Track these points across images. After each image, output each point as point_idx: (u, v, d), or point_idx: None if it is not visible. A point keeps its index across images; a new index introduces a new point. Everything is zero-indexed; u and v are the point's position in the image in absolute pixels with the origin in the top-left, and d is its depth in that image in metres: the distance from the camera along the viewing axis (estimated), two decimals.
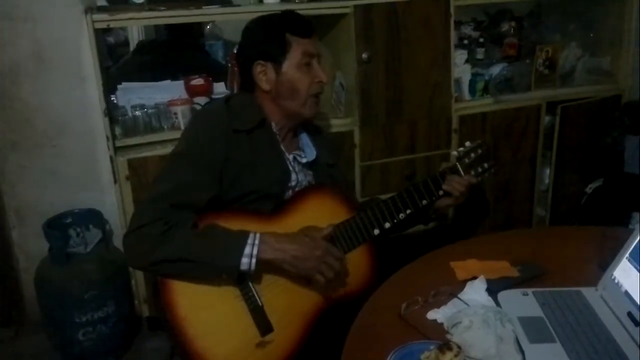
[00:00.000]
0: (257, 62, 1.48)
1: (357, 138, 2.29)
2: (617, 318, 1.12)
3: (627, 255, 1.18)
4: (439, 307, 1.19)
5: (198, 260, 1.27)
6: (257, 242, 1.29)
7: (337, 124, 2.27)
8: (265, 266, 1.32)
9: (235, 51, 1.63)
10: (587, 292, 1.21)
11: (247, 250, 1.28)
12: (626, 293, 1.13)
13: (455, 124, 2.43)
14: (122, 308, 2.21)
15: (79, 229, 2.19)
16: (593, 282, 1.23)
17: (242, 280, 1.33)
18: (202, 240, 1.29)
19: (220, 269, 1.29)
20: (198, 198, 1.34)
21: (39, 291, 2.20)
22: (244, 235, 1.29)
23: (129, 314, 2.26)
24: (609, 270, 1.20)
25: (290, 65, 1.48)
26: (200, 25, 2.91)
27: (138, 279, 2.18)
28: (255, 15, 2.03)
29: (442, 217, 1.72)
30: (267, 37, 1.49)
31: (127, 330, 2.28)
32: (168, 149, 1.99)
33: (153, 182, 1.41)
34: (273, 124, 1.52)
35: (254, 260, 1.28)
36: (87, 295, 2.11)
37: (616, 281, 1.17)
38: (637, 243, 1.16)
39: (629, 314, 1.09)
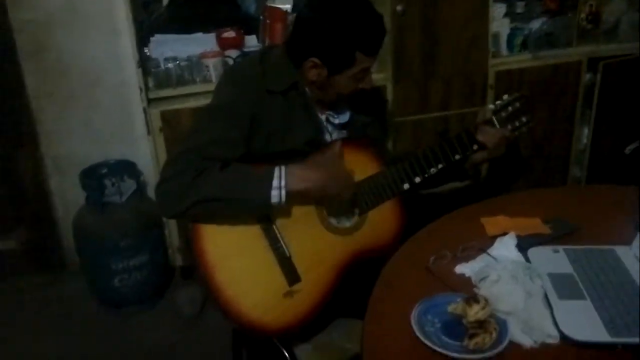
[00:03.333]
0: (313, 59, 1.38)
1: (389, 94, 2.26)
2: None
3: None
4: (467, 261, 1.19)
5: (230, 198, 1.28)
6: (283, 174, 1.31)
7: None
8: (294, 199, 1.33)
9: (297, 13, 1.50)
10: (621, 250, 1.19)
11: (275, 182, 1.29)
12: None
13: (491, 80, 2.37)
14: (156, 256, 2.28)
15: (114, 179, 2.25)
16: (627, 241, 1.21)
17: (270, 229, 1.35)
18: (231, 178, 1.30)
19: (252, 203, 1.30)
20: (229, 152, 1.35)
21: (76, 238, 2.29)
22: (270, 170, 1.31)
23: (162, 262, 2.34)
24: None
25: (345, 75, 1.40)
26: None
27: (171, 229, 2.24)
28: None
29: (476, 174, 1.68)
30: (337, 47, 1.36)
31: (161, 278, 2.36)
32: (200, 102, 2.03)
33: (186, 135, 1.42)
34: (307, 90, 1.49)
35: (283, 192, 1.29)
36: (123, 243, 2.18)
37: None
38: None
39: None
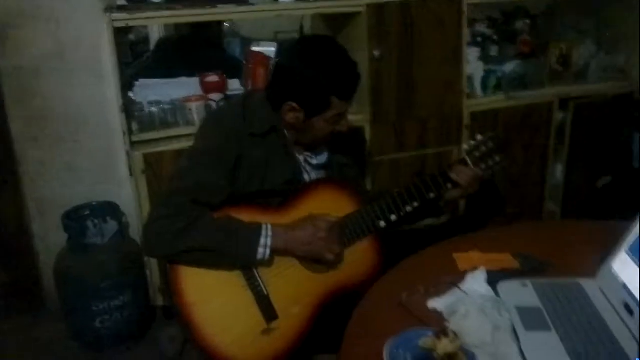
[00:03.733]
0: (291, 103, 1.46)
1: (368, 134, 2.33)
2: (613, 308, 1.14)
3: (626, 248, 1.19)
4: (439, 296, 1.21)
5: (218, 251, 1.34)
6: (269, 233, 1.37)
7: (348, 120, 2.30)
8: (275, 254, 1.39)
9: (276, 62, 1.59)
10: (586, 283, 1.23)
11: (262, 241, 1.36)
12: (624, 285, 1.14)
13: (466, 120, 2.45)
14: (137, 297, 2.28)
15: (96, 221, 2.26)
16: (593, 274, 1.25)
17: (249, 269, 1.38)
18: (221, 233, 1.36)
19: (239, 259, 1.36)
20: (215, 196, 1.41)
21: (57, 280, 2.28)
22: (257, 228, 1.37)
23: (144, 302, 2.33)
24: (607, 263, 1.22)
25: (321, 118, 1.47)
26: (218, 23, 2.97)
27: (153, 268, 2.25)
28: (269, 14, 2.09)
29: (453, 211, 1.73)
30: (312, 91, 1.44)
31: (142, 319, 2.35)
32: (183, 144, 2.07)
33: (172, 176, 1.47)
34: (285, 132, 1.55)
35: (268, 251, 1.36)
36: (104, 284, 2.18)
37: (614, 273, 1.19)
38: (635, 237, 1.18)
39: (626, 305, 1.11)
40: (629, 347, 1.03)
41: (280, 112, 1.49)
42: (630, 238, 1.19)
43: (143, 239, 1.39)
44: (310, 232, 1.41)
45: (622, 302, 1.12)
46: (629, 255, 1.17)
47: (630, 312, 1.09)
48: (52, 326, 2.41)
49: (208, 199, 1.39)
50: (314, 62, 1.44)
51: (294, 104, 1.45)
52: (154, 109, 2.18)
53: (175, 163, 2.01)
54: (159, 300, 2.31)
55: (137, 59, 2.96)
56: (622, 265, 1.18)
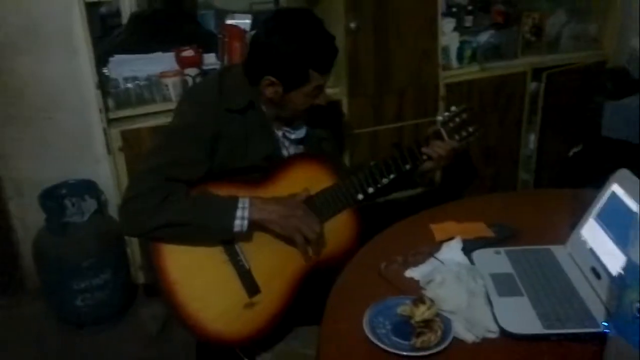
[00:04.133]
0: (269, 77, 1.46)
1: (345, 108, 2.34)
2: (582, 273, 1.19)
3: (594, 215, 1.24)
4: (416, 266, 1.26)
5: (195, 225, 1.35)
6: (246, 205, 1.38)
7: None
8: (254, 227, 1.40)
9: (252, 36, 1.57)
10: (556, 250, 1.28)
11: (239, 213, 1.37)
12: (591, 250, 1.20)
13: (442, 92, 2.47)
14: (118, 275, 2.29)
15: (74, 200, 2.24)
16: (563, 241, 1.30)
17: (230, 244, 1.40)
18: (197, 206, 1.37)
19: (215, 231, 1.37)
20: (191, 173, 1.41)
21: (37, 260, 2.28)
22: (234, 200, 1.38)
23: (125, 280, 2.34)
24: (576, 229, 1.27)
25: (300, 92, 1.48)
26: None
27: (134, 246, 2.25)
28: None
29: (429, 182, 1.77)
30: (290, 65, 1.44)
31: (124, 297, 2.36)
32: (160, 120, 2.06)
33: (148, 154, 1.47)
34: (264, 108, 1.55)
35: (245, 222, 1.37)
36: (85, 262, 2.18)
37: (583, 239, 1.24)
38: (603, 204, 1.23)
39: (593, 269, 1.16)
40: (597, 309, 1.08)
41: (258, 87, 1.49)
42: (598, 205, 1.24)
43: (120, 218, 1.39)
44: (286, 207, 1.42)
45: (590, 266, 1.18)
46: (596, 221, 1.22)
47: (597, 276, 1.14)
48: (33, 305, 2.41)
49: (184, 175, 1.39)
50: (291, 36, 1.44)
51: (273, 78, 1.46)
52: (129, 85, 2.16)
53: (153, 139, 2.01)
54: (140, 278, 2.33)
55: (108, 32, 2.90)
56: (590, 232, 1.23)
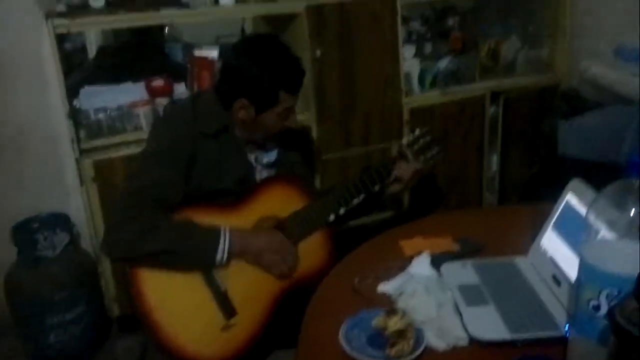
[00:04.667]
0: (241, 100, 1.52)
1: (315, 132, 2.41)
2: (543, 281, 1.26)
3: (551, 225, 1.32)
4: (388, 280, 1.31)
5: (177, 254, 1.39)
6: (227, 238, 1.42)
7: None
8: (232, 257, 1.44)
9: (223, 62, 1.64)
10: (519, 260, 1.35)
11: (221, 246, 1.41)
12: (551, 259, 1.27)
13: (406, 116, 2.57)
14: (92, 308, 2.27)
15: (46, 233, 2.23)
16: (525, 252, 1.37)
17: (207, 268, 1.43)
18: (182, 237, 1.41)
19: (198, 262, 1.42)
20: (173, 195, 1.45)
21: (8, 295, 2.24)
22: (217, 233, 1.42)
23: (99, 314, 2.32)
24: (537, 240, 1.34)
25: (270, 113, 1.54)
26: (159, 28, 2.97)
27: (107, 278, 2.24)
28: (211, 17, 2.13)
29: (397, 205, 1.84)
30: (260, 87, 1.50)
31: (98, 331, 2.34)
32: (132, 150, 2.09)
33: (127, 178, 1.51)
34: (237, 131, 1.61)
35: (226, 255, 1.42)
36: (57, 297, 2.16)
37: (543, 249, 1.31)
38: (559, 213, 1.31)
39: (553, 277, 1.23)
40: (559, 314, 1.15)
41: (230, 111, 1.55)
42: (555, 215, 1.32)
43: (104, 243, 1.41)
44: (263, 240, 1.48)
45: (550, 274, 1.24)
46: (554, 231, 1.30)
47: (558, 283, 1.21)
48: (5, 343, 2.37)
49: (166, 196, 1.43)
50: (260, 59, 1.51)
51: (245, 101, 1.52)
52: (101, 116, 2.18)
53: (127, 169, 2.03)
54: (115, 311, 2.31)
55: (73, 68, 2.92)
56: (549, 241, 1.30)
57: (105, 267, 2.22)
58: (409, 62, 2.63)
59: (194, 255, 1.40)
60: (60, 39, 2.02)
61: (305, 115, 2.39)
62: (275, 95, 1.51)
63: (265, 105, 1.53)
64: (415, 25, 2.82)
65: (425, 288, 1.20)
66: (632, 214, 0.95)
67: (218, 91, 1.58)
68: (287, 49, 1.56)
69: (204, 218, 1.45)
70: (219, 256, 1.41)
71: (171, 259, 1.39)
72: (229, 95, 1.54)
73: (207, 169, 1.51)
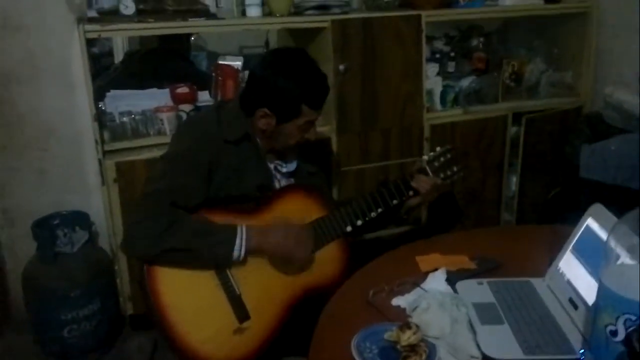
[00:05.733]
0: (264, 109, 1.54)
1: (334, 145, 2.42)
2: (560, 303, 1.25)
3: (570, 248, 1.31)
4: (402, 294, 1.31)
5: (196, 251, 1.40)
6: (244, 234, 1.44)
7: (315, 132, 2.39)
8: (249, 256, 1.46)
9: (250, 70, 1.65)
10: (536, 282, 1.34)
11: (238, 242, 1.43)
12: (568, 281, 1.26)
13: (426, 133, 2.57)
14: (107, 306, 2.30)
15: (66, 230, 2.27)
16: (542, 273, 1.36)
17: (222, 270, 1.44)
18: (199, 234, 1.42)
19: (214, 258, 1.43)
20: (192, 199, 1.48)
21: (25, 290, 2.28)
22: (233, 229, 1.44)
23: (113, 312, 2.34)
24: (555, 262, 1.33)
25: (291, 125, 1.57)
26: (185, 36, 3.03)
27: (123, 277, 2.27)
28: (238, 28, 2.17)
29: (414, 220, 1.83)
30: (284, 99, 1.53)
31: (110, 328, 2.36)
32: (154, 153, 2.12)
33: (151, 179, 1.53)
34: (258, 140, 1.63)
35: (243, 251, 1.43)
36: (73, 293, 2.19)
37: (561, 271, 1.30)
38: (578, 237, 1.30)
39: (570, 300, 1.22)
40: (574, 338, 1.14)
41: (253, 119, 1.57)
42: (574, 239, 1.31)
43: (124, 241, 1.44)
44: (282, 234, 1.48)
45: (567, 297, 1.24)
46: (573, 254, 1.29)
47: (574, 306, 1.20)
48: (18, 336, 2.40)
49: (185, 201, 1.45)
50: (287, 71, 1.54)
51: (267, 110, 1.54)
52: (125, 119, 2.22)
53: (148, 172, 2.06)
54: (129, 309, 2.33)
55: (100, 71, 2.98)
56: (567, 264, 1.30)
57: (122, 266, 2.25)
58: (432, 79, 2.64)
59: (212, 252, 1.41)
60: (89, 42, 2.07)
61: (326, 127, 2.41)
62: (297, 108, 1.54)
63: (287, 116, 1.55)
64: (439, 43, 2.83)
65: (439, 304, 1.20)
66: None
67: (242, 99, 1.61)
68: (315, 64, 1.59)
69: (221, 220, 1.47)
70: (236, 252, 1.42)
71: (189, 257, 1.40)
72: (251, 103, 1.57)
73: (227, 175, 1.53)
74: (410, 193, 1.67)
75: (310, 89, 1.55)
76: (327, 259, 1.59)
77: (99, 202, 2.27)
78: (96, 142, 2.10)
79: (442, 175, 1.70)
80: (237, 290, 1.45)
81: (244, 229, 1.44)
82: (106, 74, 2.87)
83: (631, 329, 0.89)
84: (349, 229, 1.61)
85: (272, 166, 1.66)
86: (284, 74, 1.53)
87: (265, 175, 1.62)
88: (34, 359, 2.31)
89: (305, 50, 1.67)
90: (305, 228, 1.55)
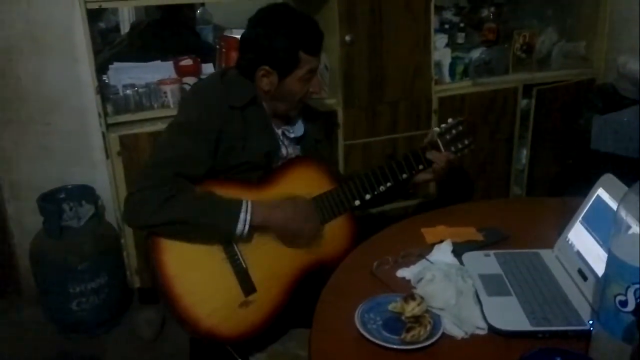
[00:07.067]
0: (263, 67, 1.52)
1: (340, 118, 2.39)
2: (568, 275, 1.23)
3: (579, 218, 1.28)
4: (407, 266, 1.29)
5: (197, 224, 1.38)
6: (249, 209, 1.41)
7: (322, 105, 2.36)
8: (254, 230, 1.44)
9: (241, 35, 1.61)
10: (544, 253, 1.32)
11: (242, 216, 1.40)
12: (578, 252, 1.23)
13: (435, 105, 2.52)
14: (114, 279, 2.31)
15: (72, 204, 2.27)
16: (551, 245, 1.34)
17: (229, 243, 1.43)
18: (202, 206, 1.40)
19: (217, 233, 1.41)
20: (197, 168, 1.46)
21: (33, 264, 2.29)
22: (238, 203, 1.41)
23: (121, 285, 2.36)
24: (564, 233, 1.30)
25: (293, 77, 1.54)
26: (191, 8, 2.99)
27: (130, 251, 2.27)
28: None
29: (425, 194, 1.79)
30: (281, 50, 1.50)
31: (119, 301, 2.38)
32: (158, 126, 2.10)
33: (156, 148, 1.52)
34: (264, 105, 1.61)
35: (247, 226, 1.40)
36: (81, 266, 2.20)
37: (570, 242, 1.28)
38: (588, 208, 1.27)
39: (579, 271, 1.20)
40: (583, 309, 1.12)
41: (255, 83, 1.55)
42: (584, 209, 1.28)
43: (125, 208, 1.42)
44: (289, 211, 1.46)
45: (576, 268, 1.21)
46: (582, 225, 1.26)
47: (584, 277, 1.18)
48: (28, 309, 2.43)
49: (190, 170, 1.43)
50: (277, 23, 1.52)
51: (267, 67, 1.52)
52: (128, 92, 2.20)
53: (152, 145, 2.05)
54: (136, 283, 2.34)
55: (108, 45, 2.95)
56: (576, 235, 1.27)
57: (128, 240, 2.25)
58: (441, 51, 2.59)
59: (215, 225, 1.39)
60: (95, 17, 2.03)
61: (332, 100, 2.37)
62: (295, 56, 1.51)
63: (287, 69, 1.53)
64: (449, 14, 2.77)
65: (444, 275, 1.18)
66: None
67: (239, 66, 1.59)
68: (301, 12, 1.58)
69: (227, 193, 1.44)
70: (239, 227, 1.39)
71: (191, 229, 1.38)
72: (250, 66, 1.54)
73: (234, 142, 1.51)
74: (420, 167, 1.63)
75: (303, 33, 1.53)
76: (335, 233, 1.57)
77: (104, 176, 2.26)
78: (99, 115, 2.08)
79: (453, 149, 1.66)
80: (243, 263, 1.43)
81: (249, 204, 1.42)
82: (111, 46, 2.85)
83: None
84: (357, 202, 1.58)
85: (279, 132, 1.64)
86: (274, 26, 1.51)
87: (272, 141, 1.59)
88: (46, 332, 2.34)
89: (287, 4, 1.64)
90: (312, 204, 1.52)
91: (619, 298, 0.90)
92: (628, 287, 0.89)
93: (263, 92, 1.56)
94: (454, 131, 1.67)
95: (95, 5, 2.01)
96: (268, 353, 1.50)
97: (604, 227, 1.17)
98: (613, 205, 1.16)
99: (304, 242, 1.49)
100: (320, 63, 2.37)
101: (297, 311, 1.49)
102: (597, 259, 1.15)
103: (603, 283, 0.96)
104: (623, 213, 0.94)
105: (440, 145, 1.64)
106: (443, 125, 1.68)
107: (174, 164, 1.41)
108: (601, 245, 1.17)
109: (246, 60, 1.56)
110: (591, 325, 1.05)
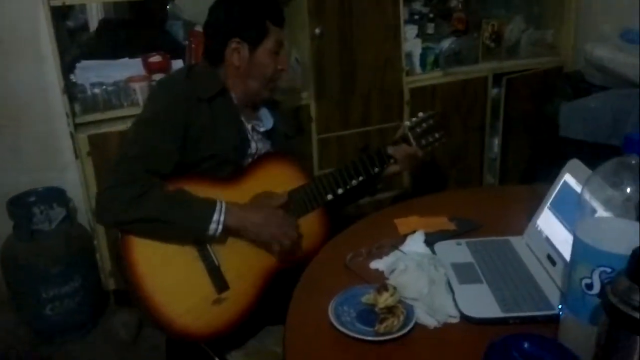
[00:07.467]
0: (234, 40, 1.53)
1: (313, 112, 2.38)
2: (538, 261, 1.24)
3: (548, 204, 1.30)
4: (381, 257, 1.30)
5: (169, 223, 1.36)
6: (223, 209, 1.39)
7: (294, 99, 2.35)
8: (227, 232, 1.42)
9: (204, 23, 1.64)
10: (515, 240, 1.33)
11: (215, 217, 1.38)
12: (546, 238, 1.25)
13: (407, 96, 2.54)
14: (88, 282, 2.28)
15: (42, 207, 2.23)
16: (521, 232, 1.35)
17: (200, 241, 1.42)
18: (175, 205, 1.38)
19: (189, 232, 1.39)
20: (165, 163, 1.43)
21: (5, 269, 2.25)
22: (212, 203, 1.39)
23: (95, 288, 2.33)
24: (533, 219, 1.32)
25: (263, 50, 1.55)
26: (161, 5, 2.94)
27: (103, 253, 2.25)
28: None
29: (398, 187, 1.80)
30: (249, 19, 1.54)
31: (94, 305, 2.35)
32: (128, 125, 2.03)
33: (122, 143, 1.50)
34: (233, 95, 1.59)
35: (220, 227, 1.39)
36: (53, 270, 2.17)
37: (539, 229, 1.29)
38: (556, 193, 1.29)
39: (548, 256, 1.21)
40: (552, 294, 1.13)
41: (224, 68, 1.56)
42: (552, 195, 1.30)
43: (95, 206, 1.39)
44: (263, 215, 1.44)
45: (545, 254, 1.23)
46: (550, 210, 1.28)
47: (553, 262, 1.19)
48: (2, 315, 2.38)
49: (159, 165, 1.41)
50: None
51: (237, 39, 1.53)
52: (96, 91, 2.16)
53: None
54: (111, 285, 2.32)
55: (76, 43, 2.89)
56: (545, 221, 1.29)
57: (101, 242, 2.23)
58: (411, 42, 2.60)
59: (187, 225, 1.37)
60: (62, 16, 1.99)
61: (304, 93, 2.37)
62: (262, 25, 1.54)
63: (257, 38, 1.54)
64: (418, 4, 2.78)
65: (417, 265, 1.18)
66: (628, 192, 0.92)
67: (207, 51, 1.59)
68: None
69: (198, 190, 1.42)
70: (212, 227, 1.38)
71: (163, 228, 1.36)
72: (219, 44, 1.55)
73: (202, 135, 1.49)
74: (392, 161, 1.64)
75: (266, 4, 1.57)
76: (308, 229, 1.56)
77: (75, 178, 2.22)
78: (67, 115, 2.05)
79: (423, 142, 1.66)
80: (215, 260, 1.42)
81: (223, 205, 1.40)
82: (78, 44, 2.79)
83: (606, 281, 0.88)
84: (329, 197, 1.58)
85: (249, 127, 1.62)
86: (238, 1, 1.56)
87: (241, 135, 1.58)
88: (20, 337, 2.30)
89: None
90: (288, 214, 1.52)
91: (584, 281, 0.92)
92: (593, 269, 0.90)
93: (234, 70, 1.56)
94: (424, 124, 1.67)
95: (58, 3, 1.97)
96: (245, 351, 1.50)
97: (571, 212, 1.18)
98: (579, 189, 1.18)
99: (277, 247, 1.48)
100: (291, 56, 2.38)
101: (273, 308, 1.48)
102: (565, 243, 1.17)
103: (569, 267, 0.97)
104: (587, 196, 0.96)
105: (411, 138, 1.65)
106: (414, 119, 1.69)
107: (143, 159, 1.39)
108: (569, 230, 1.18)
109: (214, 43, 1.57)
110: (560, 309, 1.07)
